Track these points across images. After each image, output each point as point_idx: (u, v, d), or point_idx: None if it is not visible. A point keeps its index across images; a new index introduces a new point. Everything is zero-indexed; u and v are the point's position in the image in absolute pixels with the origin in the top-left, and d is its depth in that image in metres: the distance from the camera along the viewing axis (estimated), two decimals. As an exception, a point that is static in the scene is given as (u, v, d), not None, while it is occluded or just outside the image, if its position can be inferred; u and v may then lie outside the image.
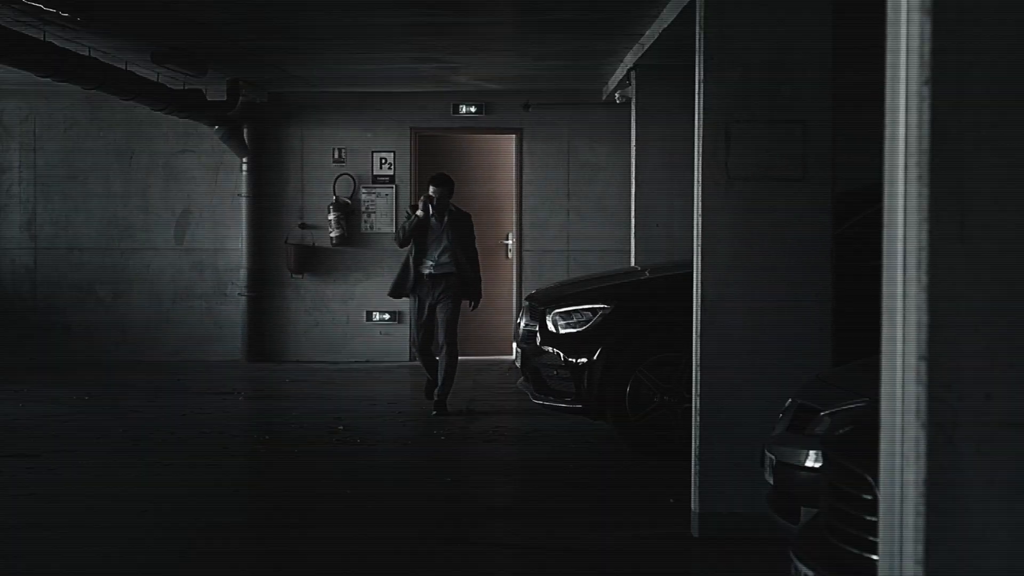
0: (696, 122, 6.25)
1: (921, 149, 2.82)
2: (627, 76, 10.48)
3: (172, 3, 7.90)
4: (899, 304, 2.95)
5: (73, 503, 6.97)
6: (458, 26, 8.82)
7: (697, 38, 6.21)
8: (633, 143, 10.57)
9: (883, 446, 3.09)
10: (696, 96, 6.24)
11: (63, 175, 13.26)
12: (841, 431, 4.03)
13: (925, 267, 2.82)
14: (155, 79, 10.41)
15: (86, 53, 8.95)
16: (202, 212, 13.29)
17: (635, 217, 10.51)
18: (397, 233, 10.21)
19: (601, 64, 10.71)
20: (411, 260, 9.88)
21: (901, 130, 2.92)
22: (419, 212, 9.79)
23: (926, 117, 2.79)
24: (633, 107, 10.54)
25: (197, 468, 7.92)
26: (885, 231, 3.06)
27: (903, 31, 2.89)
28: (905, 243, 2.91)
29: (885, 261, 3.06)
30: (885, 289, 3.06)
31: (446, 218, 9.80)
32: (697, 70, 6.21)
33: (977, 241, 2.80)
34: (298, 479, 7.63)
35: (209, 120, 11.91)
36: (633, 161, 10.58)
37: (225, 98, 11.63)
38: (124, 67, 9.66)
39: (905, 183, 2.91)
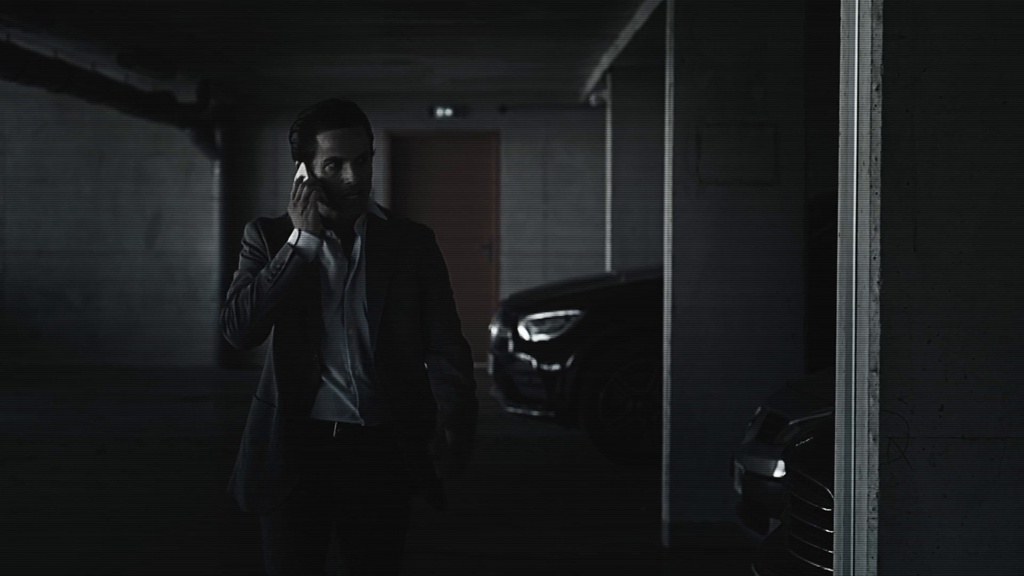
0: (667, 125, 6.20)
1: (873, 157, 2.75)
2: (603, 78, 10.42)
3: (138, 4, 7.81)
4: (852, 315, 2.88)
5: (36, 510, 6.87)
6: (429, 27, 8.74)
7: (667, 40, 6.16)
8: (609, 146, 10.51)
9: (837, 459, 3.03)
10: (667, 98, 6.18)
11: (31, 177, 13.09)
12: (801, 442, 3.96)
13: (877, 277, 2.75)
14: (124, 81, 10.30)
15: (51, 55, 8.84)
16: (173, 215, 13.17)
17: (611, 221, 10.44)
18: (227, 305, 3.25)
19: (577, 66, 10.64)
20: (268, 391, 3.31)
21: (854, 137, 2.85)
22: (298, 239, 3.22)
23: (878, 124, 2.73)
24: (608, 110, 10.48)
25: (164, 475, 7.84)
26: (839, 240, 3.00)
27: (856, 36, 2.83)
28: (857, 253, 2.84)
29: (839, 271, 2.99)
30: (839, 300, 2.99)
31: (358, 240, 3.32)
32: (667, 72, 6.16)
33: (931, 251, 2.73)
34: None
35: (180, 122, 11.81)
36: (609, 164, 10.52)
37: (195, 100, 11.52)
38: (91, 69, 9.54)
39: (857, 191, 2.84)
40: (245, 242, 3.29)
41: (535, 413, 8.21)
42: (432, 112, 13.04)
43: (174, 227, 13.17)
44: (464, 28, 8.72)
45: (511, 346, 8.32)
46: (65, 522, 6.68)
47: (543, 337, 8.16)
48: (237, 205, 13.06)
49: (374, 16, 8.28)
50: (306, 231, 3.18)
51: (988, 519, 2.76)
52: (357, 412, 3.26)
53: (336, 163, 3.18)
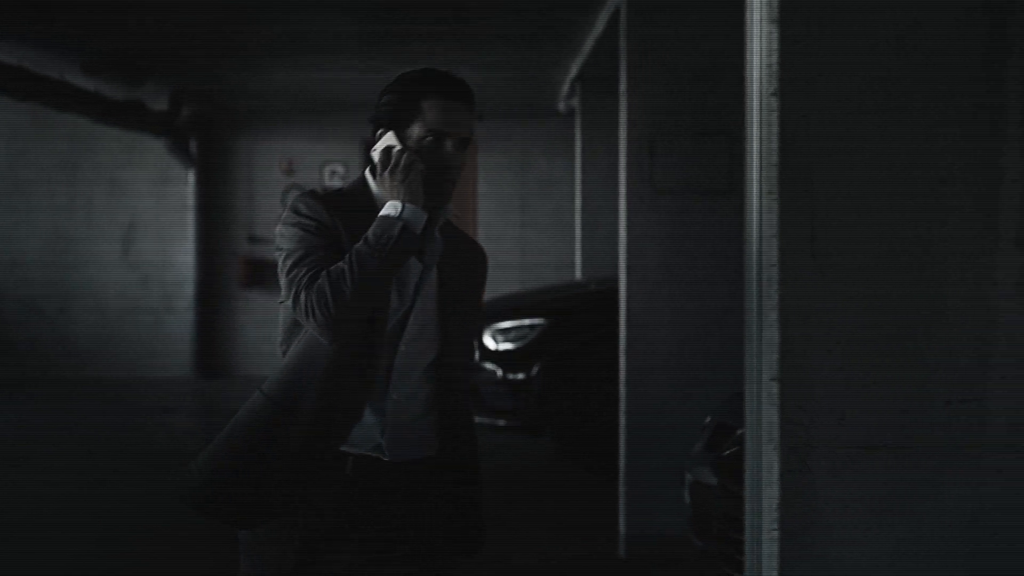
0: (620, 133, 6.16)
1: (770, 162, 2.72)
2: (572, 87, 10.40)
3: (103, 10, 7.79)
4: (755, 323, 2.84)
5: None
6: (401, 34, 8.73)
7: (621, 47, 6.12)
8: (578, 153, 10.48)
9: (747, 469, 2.99)
10: (620, 107, 6.15)
11: (5, 187, 13.06)
12: (728, 451, 3.92)
13: (776, 284, 2.71)
14: (94, 90, 10.26)
15: (15, 63, 8.81)
16: (148, 225, 13.13)
17: (580, 228, 10.41)
18: (308, 287, 2.63)
19: (549, 74, 10.62)
20: (292, 393, 2.71)
21: (755, 142, 2.82)
22: (399, 204, 2.66)
23: (775, 129, 2.69)
24: (577, 118, 10.45)
25: (134, 484, 7.82)
26: (744, 247, 2.96)
27: (755, 41, 2.79)
28: (758, 258, 2.81)
29: (744, 278, 2.96)
30: (745, 307, 2.96)
31: (438, 237, 2.81)
32: (621, 80, 6.13)
33: (829, 256, 2.69)
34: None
35: (154, 131, 11.79)
36: (578, 172, 10.49)
37: (167, 108, 11.50)
38: (59, 77, 9.51)
39: (757, 196, 2.81)
40: (303, 215, 2.67)
41: (502, 423, 8.16)
42: (408, 121, 12.98)
43: (149, 237, 13.14)
44: (434, 35, 8.70)
45: (477, 355, 8.27)
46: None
47: (508, 346, 8.11)
48: (213, 215, 13.04)
49: (344, 23, 8.27)
50: (410, 203, 2.64)
51: (892, 529, 2.72)
52: (383, 443, 2.72)
53: (438, 138, 2.68)
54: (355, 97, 12.42)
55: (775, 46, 2.67)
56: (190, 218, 12.97)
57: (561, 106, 11.65)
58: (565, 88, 10.88)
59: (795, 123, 2.68)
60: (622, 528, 6.14)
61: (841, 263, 2.69)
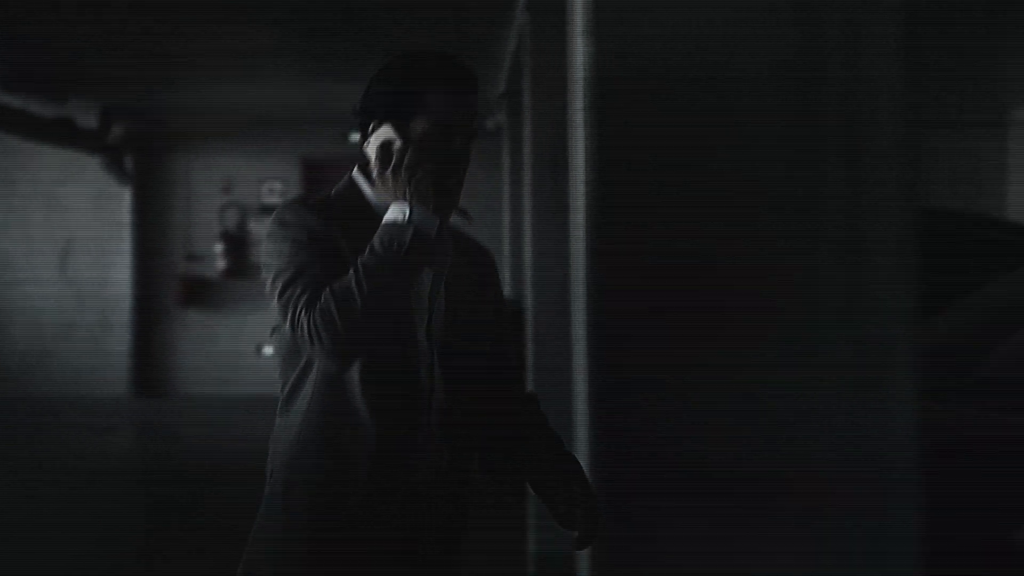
0: (525, 148, 6.12)
1: (591, 175, 2.66)
2: (499, 102, 10.37)
3: (23, 24, 7.71)
4: (578, 346, 2.78)
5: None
6: (328, 51, 8.68)
7: (523, 62, 6.08)
8: (506, 170, 10.44)
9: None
10: (525, 122, 6.11)
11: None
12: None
13: (597, 305, 2.64)
14: (20, 107, 10.15)
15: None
16: (85, 243, 13.02)
17: (509, 247, 10.36)
18: (308, 307, 2.34)
19: (485, 90, 10.58)
20: (336, 451, 2.45)
21: (579, 146, 2.77)
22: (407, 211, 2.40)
23: (593, 140, 2.64)
24: (504, 133, 10.42)
25: (72, 504, 7.75)
26: (571, 264, 2.91)
27: (576, 52, 2.74)
28: (582, 276, 2.75)
29: (570, 298, 2.90)
30: (571, 329, 2.90)
31: (446, 236, 2.59)
32: (524, 95, 6.09)
33: (650, 275, 2.61)
34: (154, 515, 7.53)
35: (87, 148, 11.69)
36: (506, 189, 10.45)
37: (96, 126, 11.40)
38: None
39: (582, 212, 2.75)
40: (291, 225, 2.37)
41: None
42: (347, 137, 12.91)
43: (86, 255, 13.03)
44: (359, 53, 8.66)
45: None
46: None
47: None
48: (150, 233, 12.98)
49: (278, 38, 8.22)
50: (419, 205, 2.36)
51: (722, 559, 2.62)
52: (436, 464, 2.49)
53: (445, 132, 2.39)
54: (294, 113, 12.37)
55: (590, 60, 2.61)
56: (127, 235, 12.88)
57: (489, 124, 11.61)
58: (493, 105, 10.86)
59: (613, 134, 2.61)
60: (532, 546, 6.07)
61: (662, 281, 2.61)
